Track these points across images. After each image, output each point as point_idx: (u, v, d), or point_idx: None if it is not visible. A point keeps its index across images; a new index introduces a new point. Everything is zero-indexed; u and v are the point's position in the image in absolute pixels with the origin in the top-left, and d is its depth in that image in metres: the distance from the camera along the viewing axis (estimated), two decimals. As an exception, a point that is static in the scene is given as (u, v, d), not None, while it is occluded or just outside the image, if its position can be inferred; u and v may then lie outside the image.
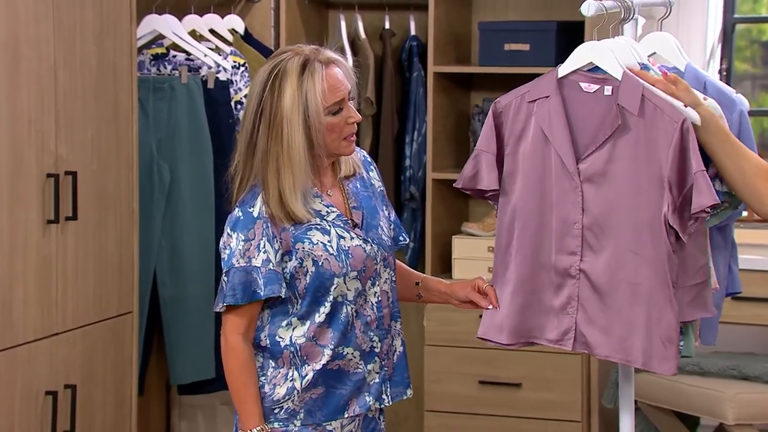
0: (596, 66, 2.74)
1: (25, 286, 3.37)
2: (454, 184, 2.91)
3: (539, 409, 4.42)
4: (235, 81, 4.32)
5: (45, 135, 3.43)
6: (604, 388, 4.47)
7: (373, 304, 2.72)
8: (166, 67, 4.31)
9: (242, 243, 2.64)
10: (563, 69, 2.76)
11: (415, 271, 2.94)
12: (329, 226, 2.68)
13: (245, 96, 4.28)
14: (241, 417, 2.67)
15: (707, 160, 2.74)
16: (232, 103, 4.31)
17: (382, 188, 2.83)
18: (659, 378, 4.35)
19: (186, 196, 4.19)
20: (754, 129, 3.94)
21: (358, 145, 4.62)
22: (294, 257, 2.65)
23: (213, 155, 4.21)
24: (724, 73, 4.92)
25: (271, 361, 2.69)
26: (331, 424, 2.70)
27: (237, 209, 2.68)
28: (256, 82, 2.67)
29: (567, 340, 2.76)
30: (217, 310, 2.67)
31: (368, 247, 2.71)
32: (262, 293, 2.63)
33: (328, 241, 2.67)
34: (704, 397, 4.25)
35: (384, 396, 2.75)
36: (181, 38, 4.28)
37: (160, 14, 4.28)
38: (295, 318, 2.68)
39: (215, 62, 4.28)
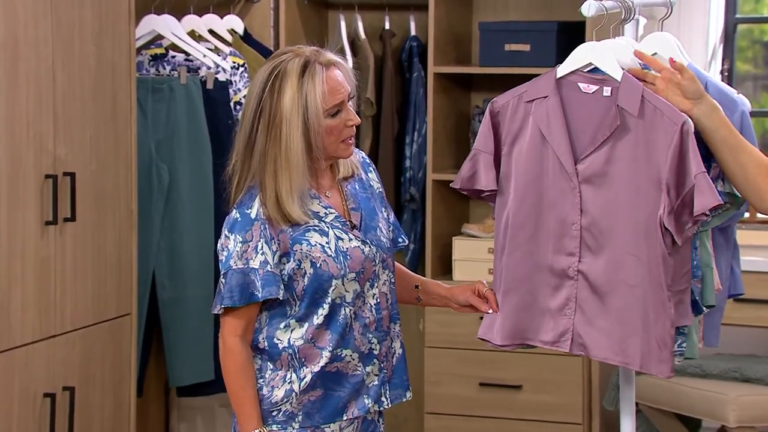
0: (595, 67, 2.73)
1: (23, 287, 3.36)
2: (451, 185, 2.90)
3: (540, 412, 4.41)
4: (235, 81, 4.31)
5: (43, 135, 3.43)
6: (605, 390, 4.46)
7: (371, 305, 2.71)
8: (165, 68, 4.30)
9: (240, 245, 2.63)
10: (562, 69, 2.75)
11: (415, 274, 2.93)
12: (327, 227, 2.68)
13: (244, 97, 4.26)
14: (239, 419, 2.67)
15: (709, 160, 2.73)
16: (232, 104, 4.30)
17: (381, 189, 2.83)
18: (660, 380, 4.34)
19: (185, 197, 4.19)
20: (756, 130, 3.93)
21: (358, 146, 4.66)
22: (292, 259, 2.64)
23: (212, 156, 4.20)
24: (726, 74, 4.91)
25: (269, 363, 2.68)
26: (329, 427, 2.69)
27: (234, 211, 2.67)
28: (255, 83, 2.66)
29: (564, 341, 2.75)
30: (215, 312, 2.67)
31: (367, 249, 2.70)
32: (259, 295, 2.62)
33: (327, 243, 2.66)
34: (706, 400, 4.24)
35: (383, 398, 2.74)
36: (180, 39, 4.27)
37: (158, 14, 4.27)
38: (293, 320, 2.67)
39: (214, 63, 4.27)
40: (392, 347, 2.76)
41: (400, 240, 2.85)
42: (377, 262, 2.72)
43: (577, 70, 2.73)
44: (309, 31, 4.68)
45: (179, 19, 4.31)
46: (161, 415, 4.55)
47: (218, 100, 4.26)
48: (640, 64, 2.76)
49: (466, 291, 2.84)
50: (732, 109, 2.84)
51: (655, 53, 2.85)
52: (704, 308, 2.81)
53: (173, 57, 4.30)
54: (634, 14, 2.86)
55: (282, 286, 2.64)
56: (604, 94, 2.70)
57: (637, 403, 4.37)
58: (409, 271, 2.92)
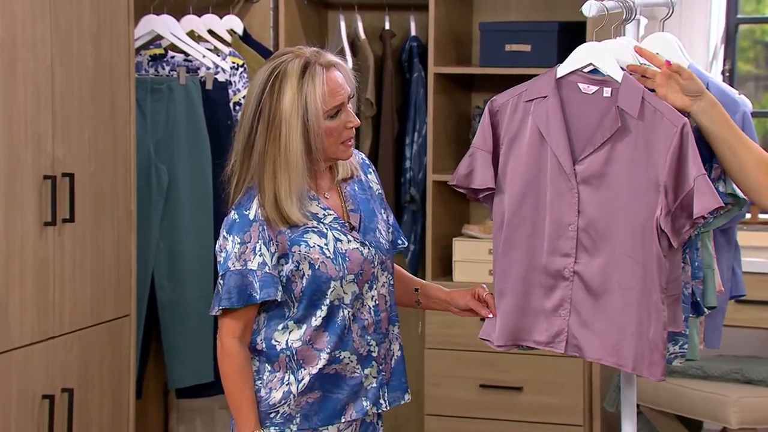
0: (596, 68, 2.72)
1: (22, 288, 3.35)
2: (448, 182, 2.89)
3: (540, 413, 4.40)
4: (234, 82, 4.30)
5: (42, 136, 3.42)
6: (605, 392, 4.45)
7: (370, 307, 2.70)
8: (164, 68, 4.29)
9: (238, 246, 2.62)
10: (562, 69, 2.74)
11: (415, 278, 2.93)
12: (326, 229, 2.67)
13: (244, 97, 4.26)
14: (237, 421, 2.66)
15: (710, 160, 2.72)
16: (231, 104, 4.29)
17: (380, 191, 2.82)
18: (662, 382, 4.32)
19: (184, 198, 4.18)
20: (758, 130, 3.92)
21: (358, 146, 4.66)
22: (290, 260, 2.63)
23: (211, 157, 4.19)
24: (727, 74, 4.91)
25: (267, 365, 2.67)
26: (327, 429, 2.68)
27: (233, 211, 2.67)
28: (255, 83, 2.66)
29: (558, 342, 2.75)
30: (213, 313, 2.66)
31: (365, 250, 2.69)
32: (257, 296, 2.62)
33: (325, 244, 2.65)
34: (707, 401, 4.24)
35: (381, 401, 2.73)
36: (179, 39, 4.26)
37: (158, 15, 4.26)
38: (292, 321, 2.66)
39: (214, 63, 4.26)
40: (391, 349, 2.76)
41: (399, 242, 2.84)
42: (376, 263, 2.71)
43: (577, 70, 2.73)
44: (309, 32, 4.67)
45: (178, 20, 4.30)
46: (160, 416, 4.54)
47: (217, 101, 4.25)
48: (641, 65, 2.75)
49: (466, 295, 2.83)
50: (733, 110, 2.84)
51: (657, 53, 2.84)
52: (706, 309, 2.81)
53: (172, 57, 4.30)
54: (635, 14, 2.85)
55: (280, 288, 2.64)
56: (604, 95, 2.69)
57: (638, 405, 4.36)
58: (409, 274, 2.92)
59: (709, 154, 2.71)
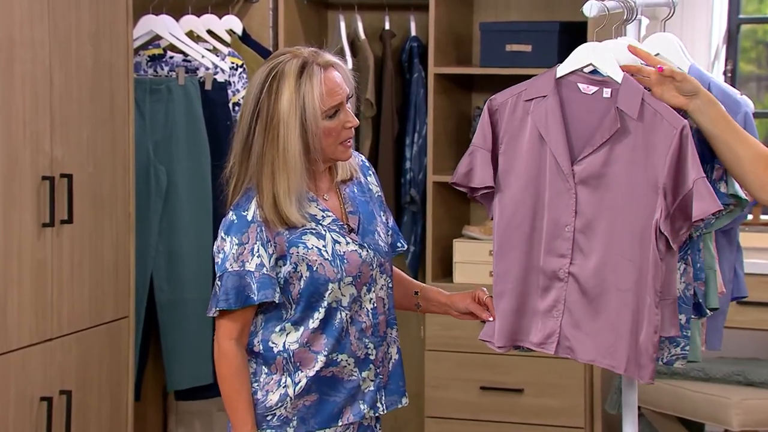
0: (596, 68, 2.71)
1: (20, 290, 3.35)
2: (449, 181, 2.88)
3: (541, 415, 4.39)
4: (233, 82, 4.29)
5: (40, 137, 3.41)
6: (607, 394, 4.44)
7: (368, 310, 2.69)
8: (163, 69, 4.28)
9: (236, 247, 2.61)
10: (562, 69, 2.74)
11: (415, 281, 2.92)
12: (325, 230, 2.66)
13: (243, 98, 4.24)
14: (234, 424, 2.65)
15: (712, 161, 2.71)
16: (230, 105, 4.28)
17: (380, 193, 2.81)
18: (663, 384, 4.33)
19: (183, 199, 4.17)
20: (759, 131, 3.91)
21: (357, 147, 4.65)
22: (288, 262, 2.62)
23: (211, 157, 4.19)
24: (729, 75, 4.89)
25: (264, 367, 2.66)
26: (324, 432, 2.68)
27: (231, 213, 2.65)
28: (253, 84, 2.65)
29: (550, 343, 2.74)
30: (210, 314, 2.65)
31: (364, 253, 2.68)
32: (255, 298, 2.61)
33: (323, 246, 2.64)
34: (709, 403, 4.23)
35: (379, 404, 2.72)
36: (178, 39, 4.26)
37: (156, 15, 4.26)
38: (289, 323, 2.65)
39: (213, 63, 4.25)
40: (389, 353, 2.74)
41: (398, 245, 2.83)
42: (375, 266, 2.70)
43: (577, 70, 2.72)
44: (308, 32, 4.66)
45: (177, 20, 4.30)
46: (159, 419, 4.53)
47: (217, 101, 4.24)
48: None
49: (466, 298, 2.83)
50: (735, 111, 2.82)
51: (658, 54, 2.84)
52: (707, 311, 2.80)
53: (171, 58, 4.29)
54: (637, 14, 2.84)
55: (278, 289, 2.62)
56: (604, 95, 2.69)
57: (639, 407, 4.33)
58: (408, 278, 2.91)
59: (710, 155, 2.71)
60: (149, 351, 4.31)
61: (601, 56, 2.71)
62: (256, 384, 2.66)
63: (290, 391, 2.64)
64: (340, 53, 4.51)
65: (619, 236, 2.67)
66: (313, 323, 2.64)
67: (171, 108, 4.18)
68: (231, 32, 4.45)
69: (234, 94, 4.29)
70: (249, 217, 2.62)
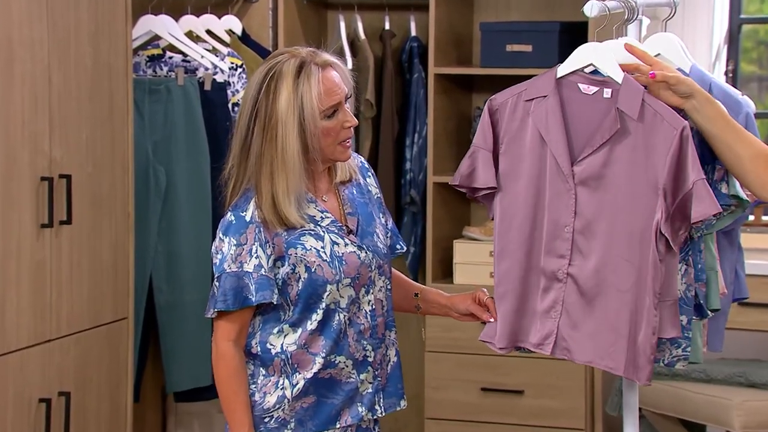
0: (596, 68, 2.70)
1: (18, 291, 3.34)
2: (450, 182, 2.88)
3: (542, 417, 4.39)
4: (233, 83, 4.29)
5: (39, 137, 3.40)
6: (607, 396, 4.43)
7: (366, 312, 2.68)
8: (162, 69, 4.27)
9: (234, 248, 2.60)
10: (562, 69, 2.73)
11: (415, 282, 2.92)
12: (323, 231, 2.65)
13: (242, 98, 4.24)
14: (231, 425, 2.64)
15: (713, 162, 2.70)
16: (230, 105, 4.28)
17: (379, 195, 2.80)
18: (664, 385, 4.32)
19: (182, 200, 4.16)
20: (761, 131, 3.90)
21: (357, 147, 4.64)
22: (286, 263, 2.61)
23: (210, 158, 4.18)
24: (730, 75, 4.88)
25: (261, 368, 2.65)
26: (322, 434, 2.67)
27: (229, 213, 2.65)
28: (251, 84, 2.65)
29: (547, 344, 2.74)
30: (209, 315, 2.65)
31: (363, 254, 2.67)
32: (253, 299, 2.60)
33: (322, 247, 2.63)
34: (710, 405, 4.22)
35: (377, 407, 2.71)
36: (177, 39, 4.25)
37: (156, 15, 4.25)
38: (287, 325, 2.64)
39: (212, 63, 4.24)
40: (387, 355, 2.73)
41: (398, 247, 2.82)
42: (373, 268, 2.69)
43: (577, 70, 2.72)
44: (308, 32, 4.66)
45: (176, 20, 4.29)
46: (158, 420, 4.53)
47: (216, 102, 4.24)
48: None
49: (467, 299, 2.82)
50: (736, 111, 2.82)
51: (659, 54, 2.83)
52: (709, 312, 2.79)
53: (170, 58, 4.28)
54: (638, 14, 2.84)
55: (276, 291, 2.62)
56: (605, 95, 2.68)
57: (640, 409, 4.33)
58: (408, 279, 2.90)
59: (711, 156, 2.70)
60: (148, 352, 4.31)
61: (601, 56, 2.70)
62: (254, 386, 2.65)
63: (288, 393, 2.63)
64: (340, 53, 4.50)
65: (619, 237, 2.66)
66: (311, 325, 2.63)
67: (170, 108, 4.17)
68: (230, 32, 4.44)
69: (233, 95, 4.29)
70: (247, 218, 2.61)
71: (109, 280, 3.72)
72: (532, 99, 2.72)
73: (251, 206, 2.62)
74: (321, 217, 2.66)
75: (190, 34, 4.32)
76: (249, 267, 2.59)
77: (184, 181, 4.17)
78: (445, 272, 4.59)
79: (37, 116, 3.40)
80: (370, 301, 2.69)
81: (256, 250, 2.60)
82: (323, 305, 2.63)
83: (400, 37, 4.68)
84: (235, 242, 2.61)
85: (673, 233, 2.63)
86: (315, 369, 2.63)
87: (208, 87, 4.22)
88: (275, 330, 2.64)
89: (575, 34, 4.33)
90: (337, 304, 2.64)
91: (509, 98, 2.75)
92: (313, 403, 2.64)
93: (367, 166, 2.82)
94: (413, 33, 4.65)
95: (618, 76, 2.67)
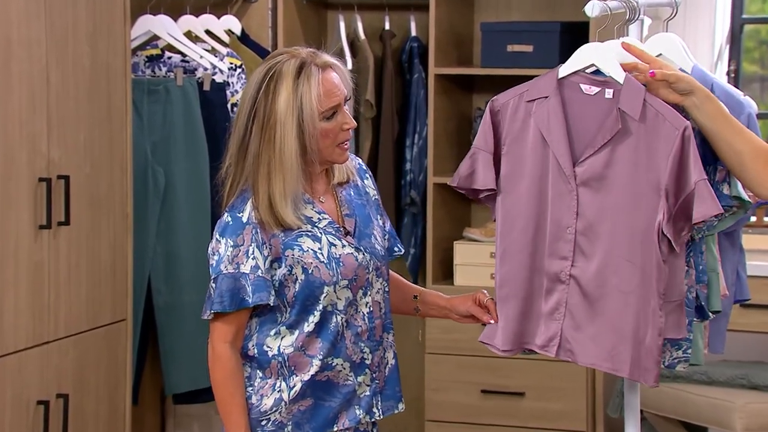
0: (598, 69, 2.69)
1: (16, 292, 3.33)
2: (449, 183, 2.87)
3: (543, 419, 4.38)
4: (232, 83, 4.28)
5: (37, 137, 3.39)
6: (609, 398, 4.42)
7: (364, 314, 2.67)
8: (161, 69, 4.26)
9: (231, 249, 2.60)
10: (564, 69, 2.72)
11: (414, 285, 2.91)
12: (320, 233, 2.64)
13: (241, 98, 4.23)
14: (227, 428, 2.64)
15: (715, 162, 2.69)
16: (229, 106, 4.27)
17: (377, 197, 2.79)
18: (666, 387, 4.31)
19: (181, 201, 4.16)
20: (763, 132, 3.89)
21: (357, 148, 4.63)
22: (283, 264, 2.60)
23: (209, 158, 4.17)
24: (732, 75, 4.87)
25: (258, 371, 2.65)
26: (319, 437, 2.66)
27: (226, 214, 2.64)
28: (250, 84, 2.64)
29: (552, 346, 2.73)
30: (205, 317, 2.64)
31: (360, 256, 2.66)
32: (250, 300, 2.59)
33: (319, 249, 2.62)
34: (712, 407, 4.21)
35: (375, 409, 2.70)
36: (176, 39, 4.24)
37: (154, 15, 4.24)
38: (284, 327, 2.63)
39: (211, 64, 4.23)
40: (385, 357, 2.72)
41: (395, 249, 2.81)
42: (371, 269, 2.68)
43: (579, 71, 2.71)
44: (308, 32, 4.65)
45: (175, 20, 4.29)
46: (157, 422, 4.52)
47: (215, 102, 4.23)
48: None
49: (467, 301, 2.81)
50: (738, 112, 2.81)
51: (660, 54, 2.82)
52: (710, 314, 2.79)
53: (169, 58, 4.27)
54: (639, 14, 2.83)
55: (273, 292, 2.61)
56: (606, 96, 2.68)
57: (641, 411, 4.33)
58: (407, 282, 2.89)
59: (713, 157, 2.70)
60: (147, 354, 4.30)
61: (603, 57, 2.70)
62: (251, 388, 2.64)
63: (285, 396, 2.62)
64: (340, 53, 4.49)
65: (621, 238, 2.65)
66: (308, 327, 2.62)
67: (169, 109, 4.16)
68: (230, 32, 4.43)
69: (232, 95, 4.28)
70: (244, 219, 2.60)
71: (107, 281, 3.71)
72: (534, 100, 2.72)
73: (248, 207, 2.61)
74: (318, 218, 2.65)
75: (189, 35, 4.31)
76: (246, 268, 2.58)
77: (182, 182, 4.16)
78: (446, 273, 4.59)
79: (35, 116, 3.39)
80: (367, 303, 2.68)
81: (253, 251, 2.59)
82: (320, 307, 2.62)
83: (400, 38, 4.68)
84: (231, 243, 2.60)
85: (676, 234, 2.62)
86: (312, 371, 2.62)
87: (207, 87, 4.21)
88: (272, 332, 2.63)
89: (576, 34, 4.33)
90: (335, 306, 2.63)
91: (511, 99, 2.74)
92: (311, 406, 2.63)
93: (365, 167, 2.81)
94: (413, 33, 4.65)
95: (620, 76, 2.66)
